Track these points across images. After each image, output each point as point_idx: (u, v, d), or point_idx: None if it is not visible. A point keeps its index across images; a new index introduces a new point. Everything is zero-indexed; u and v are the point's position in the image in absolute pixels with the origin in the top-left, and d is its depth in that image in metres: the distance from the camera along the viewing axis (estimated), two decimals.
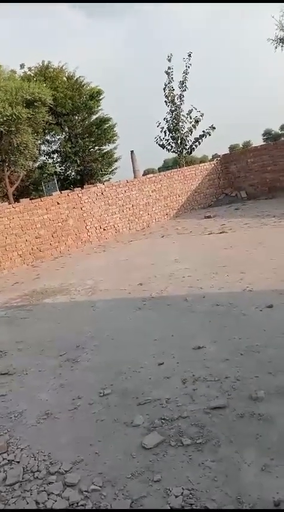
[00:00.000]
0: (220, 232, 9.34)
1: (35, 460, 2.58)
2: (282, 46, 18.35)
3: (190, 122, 16.72)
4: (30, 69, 21.07)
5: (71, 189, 12.41)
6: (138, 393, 3.13)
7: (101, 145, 23.17)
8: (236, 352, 3.47)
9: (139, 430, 2.67)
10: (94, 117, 22.69)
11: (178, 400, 2.93)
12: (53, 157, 23.34)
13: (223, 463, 2.25)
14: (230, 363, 3.30)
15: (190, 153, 17.79)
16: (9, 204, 11.24)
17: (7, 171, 18.41)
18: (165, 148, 17.55)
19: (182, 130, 16.85)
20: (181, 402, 2.89)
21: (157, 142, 17.48)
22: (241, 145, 44.67)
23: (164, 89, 16.86)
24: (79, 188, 12.39)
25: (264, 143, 26.80)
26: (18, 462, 2.58)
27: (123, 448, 2.53)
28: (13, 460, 2.60)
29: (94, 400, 3.18)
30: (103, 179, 23.07)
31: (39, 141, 20.63)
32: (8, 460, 2.61)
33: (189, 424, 2.63)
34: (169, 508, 2.02)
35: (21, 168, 19.11)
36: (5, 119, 15.32)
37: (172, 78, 16.71)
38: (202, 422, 2.62)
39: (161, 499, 2.09)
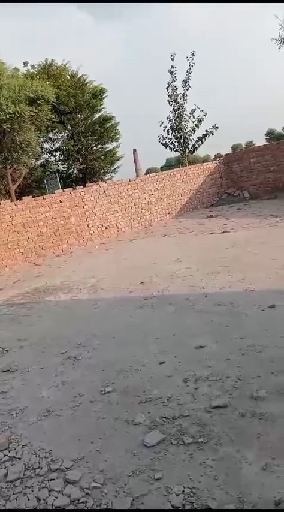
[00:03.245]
0: (223, 232, 9.33)
1: (36, 456, 2.58)
2: None
3: (193, 121, 16.72)
4: (33, 67, 21.05)
5: (73, 187, 12.40)
6: (139, 391, 3.14)
7: (104, 144, 23.15)
8: (238, 351, 3.47)
9: (141, 428, 2.68)
10: (97, 115, 22.65)
11: (179, 398, 2.93)
12: (55, 155, 23.32)
13: (224, 462, 2.25)
14: (231, 363, 3.30)
15: (193, 152, 17.78)
16: (12, 201, 11.24)
17: (9, 168, 18.41)
18: (168, 148, 17.54)
19: (185, 130, 16.83)
20: (183, 401, 2.89)
21: (160, 141, 17.48)
22: (243, 145, 44.61)
23: (167, 88, 16.84)
24: (82, 186, 12.38)
25: (267, 143, 26.72)
26: (20, 459, 2.58)
27: (124, 446, 2.53)
28: (14, 457, 2.61)
29: (95, 397, 3.18)
30: (106, 178, 23.06)
31: (41, 139, 20.62)
32: (9, 457, 2.62)
33: (190, 422, 2.64)
34: (170, 507, 2.02)
35: (24, 165, 19.09)
36: (7, 116, 15.31)
37: (175, 77, 16.69)
38: (204, 421, 2.62)
39: (162, 497, 2.09)
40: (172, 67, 16.62)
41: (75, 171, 23.26)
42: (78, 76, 21.70)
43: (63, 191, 11.75)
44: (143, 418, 2.77)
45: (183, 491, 2.09)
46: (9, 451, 2.68)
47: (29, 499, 2.22)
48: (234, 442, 2.39)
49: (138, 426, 2.71)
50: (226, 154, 16.15)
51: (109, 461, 2.43)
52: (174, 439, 2.51)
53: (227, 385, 2.98)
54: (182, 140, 16.98)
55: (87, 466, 2.42)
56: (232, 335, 3.82)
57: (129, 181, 13.15)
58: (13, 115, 15.48)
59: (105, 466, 2.39)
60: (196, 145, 17.14)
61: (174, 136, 17.08)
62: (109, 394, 3.19)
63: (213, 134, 16.69)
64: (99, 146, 23.05)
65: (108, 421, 2.84)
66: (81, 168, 22.48)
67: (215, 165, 15.51)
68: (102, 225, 12.24)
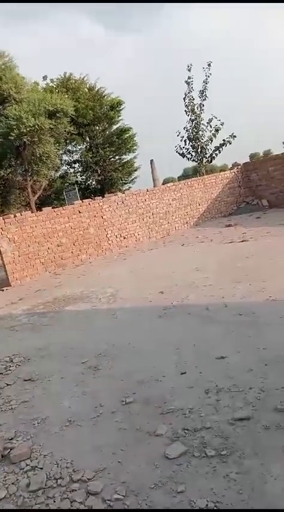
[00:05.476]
0: (242, 241, 9.25)
1: (57, 467, 2.58)
2: None
3: (210, 131, 16.74)
4: (52, 80, 21.59)
5: (91, 198, 12.53)
6: (160, 402, 3.11)
7: (121, 155, 23.44)
8: (260, 362, 3.41)
9: (162, 440, 2.65)
10: (114, 127, 22.98)
11: (201, 410, 2.89)
12: (74, 167, 23.73)
13: (249, 475, 2.20)
14: (254, 374, 3.24)
15: (211, 161, 17.76)
16: (32, 212, 11.45)
17: (30, 180, 18.80)
18: (185, 157, 17.58)
19: (202, 139, 16.86)
20: (205, 413, 2.85)
21: (177, 151, 17.54)
22: (261, 154, 44.31)
23: (184, 99, 16.94)
24: (100, 197, 12.51)
25: None
26: (42, 468, 2.59)
27: (146, 458, 2.51)
28: (36, 467, 2.62)
29: (116, 408, 3.17)
30: (124, 188, 23.27)
31: (61, 151, 21.00)
32: (31, 467, 2.63)
33: (213, 435, 2.60)
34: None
35: (44, 177, 19.47)
36: (28, 129, 15.70)
37: (192, 87, 16.79)
38: (226, 434, 2.58)
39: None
40: (188, 78, 16.73)
41: (94, 182, 23.58)
42: (96, 89, 22.10)
43: (82, 202, 11.89)
44: (165, 429, 2.75)
45: (207, 505, 2.05)
46: (31, 461, 2.69)
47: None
48: (258, 456, 2.34)
49: (159, 437, 2.68)
50: (244, 163, 16.05)
51: (131, 472, 2.41)
52: (196, 451, 2.47)
53: (250, 397, 2.93)
54: (199, 150, 17.00)
55: (108, 477, 2.40)
56: (254, 345, 3.76)
57: (147, 191, 13.21)
58: (33, 128, 15.85)
59: (127, 477, 2.37)
60: (214, 155, 17.14)
61: (191, 146, 17.13)
62: (130, 405, 3.17)
63: (230, 143, 16.67)
64: (117, 157, 23.35)
65: (129, 432, 2.82)
66: (100, 179, 22.77)
67: (233, 174, 15.44)
68: (121, 235, 12.31)
